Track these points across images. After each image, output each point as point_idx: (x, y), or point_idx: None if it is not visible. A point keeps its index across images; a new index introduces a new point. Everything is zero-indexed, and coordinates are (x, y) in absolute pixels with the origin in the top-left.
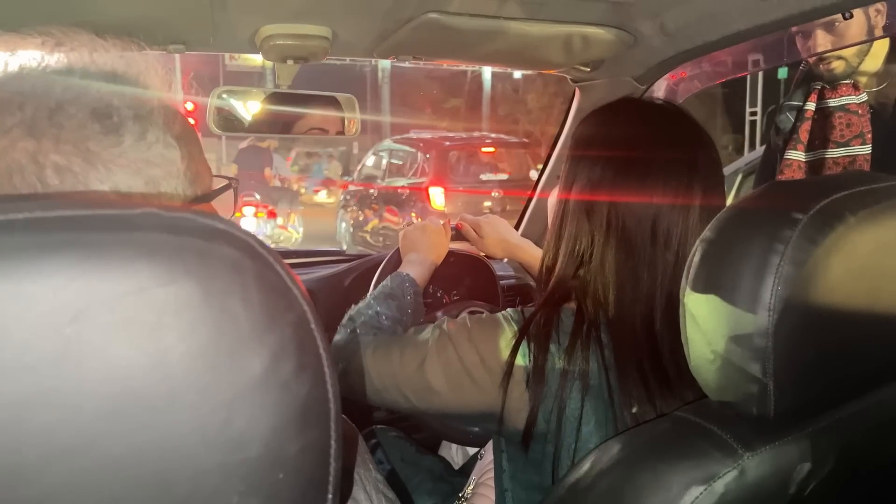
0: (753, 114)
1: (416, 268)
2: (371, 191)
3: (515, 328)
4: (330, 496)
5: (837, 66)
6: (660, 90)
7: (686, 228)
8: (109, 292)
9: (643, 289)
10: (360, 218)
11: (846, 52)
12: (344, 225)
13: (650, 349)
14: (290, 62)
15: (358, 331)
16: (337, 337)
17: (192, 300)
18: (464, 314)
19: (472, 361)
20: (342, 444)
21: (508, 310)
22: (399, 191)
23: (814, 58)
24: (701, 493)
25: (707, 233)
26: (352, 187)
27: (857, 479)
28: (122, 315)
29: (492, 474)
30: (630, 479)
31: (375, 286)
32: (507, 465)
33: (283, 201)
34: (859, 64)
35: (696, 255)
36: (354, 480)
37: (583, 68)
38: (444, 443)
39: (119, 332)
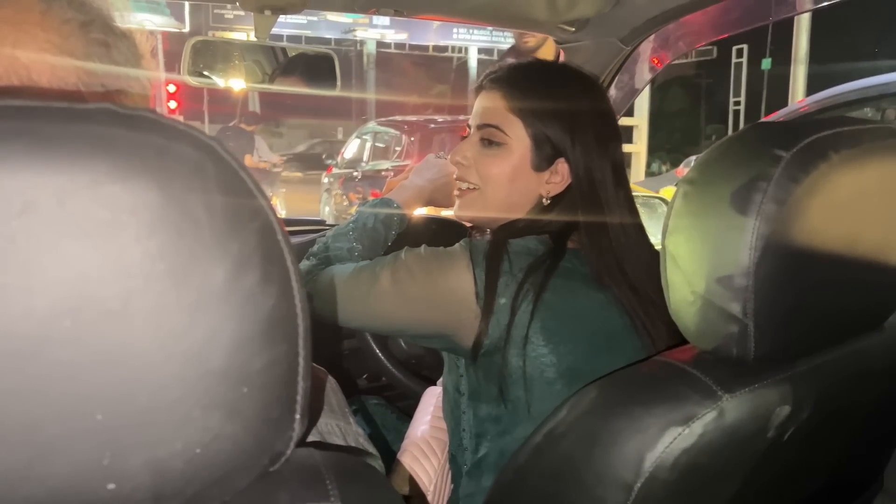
0: (737, 104)
1: (403, 193)
2: (355, 174)
3: (469, 255)
4: (297, 416)
5: None
6: (645, 52)
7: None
8: (60, 185)
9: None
10: (345, 202)
11: None
12: (328, 208)
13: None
14: (267, 13)
15: (329, 259)
16: (306, 263)
17: (149, 200)
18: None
19: (424, 285)
20: (311, 363)
21: (462, 241)
22: (383, 173)
23: None
24: (679, 435)
25: (690, 173)
26: (335, 170)
27: (835, 426)
28: (74, 210)
29: (419, 431)
30: (606, 423)
31: None
32: (465, 388)
33: (265, 183)
34: None
35: (677, 196)
36: (334, 432)
37: (567, 28)
38: None
39: (71, 228)
